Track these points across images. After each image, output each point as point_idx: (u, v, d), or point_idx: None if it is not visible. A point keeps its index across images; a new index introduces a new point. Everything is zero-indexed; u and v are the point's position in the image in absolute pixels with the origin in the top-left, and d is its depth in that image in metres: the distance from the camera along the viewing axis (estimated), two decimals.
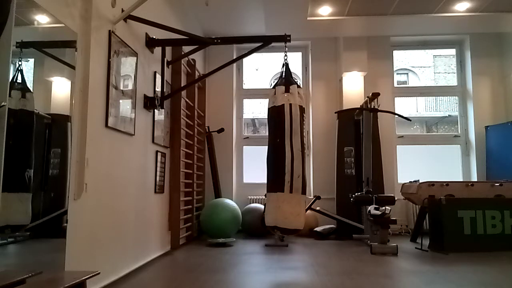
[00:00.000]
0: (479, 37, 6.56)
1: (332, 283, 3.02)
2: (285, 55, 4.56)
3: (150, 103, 3.87)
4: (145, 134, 3.85)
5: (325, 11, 5.68)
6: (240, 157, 6.82)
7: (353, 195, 5.10)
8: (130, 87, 3.46)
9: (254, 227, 5.76)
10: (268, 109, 4.71)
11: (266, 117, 4.79)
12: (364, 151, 5.33)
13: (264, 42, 3.91)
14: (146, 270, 3.50)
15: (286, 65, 4.62)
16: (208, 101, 6.61)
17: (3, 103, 1.90)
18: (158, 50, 4.19)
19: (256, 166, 6.61)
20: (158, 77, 4.20)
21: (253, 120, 12.48)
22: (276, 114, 4.57)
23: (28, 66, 2.13)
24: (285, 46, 4.26)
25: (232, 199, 6.05)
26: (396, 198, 5.06)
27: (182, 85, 4.78)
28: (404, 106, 10.76)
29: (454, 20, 5.86)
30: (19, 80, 2.05)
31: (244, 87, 7.08)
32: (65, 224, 2.42)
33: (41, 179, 2.25)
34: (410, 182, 5.30)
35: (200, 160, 5.93)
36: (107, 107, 2.95)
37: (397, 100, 6.82)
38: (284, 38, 3.88)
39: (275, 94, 4.61)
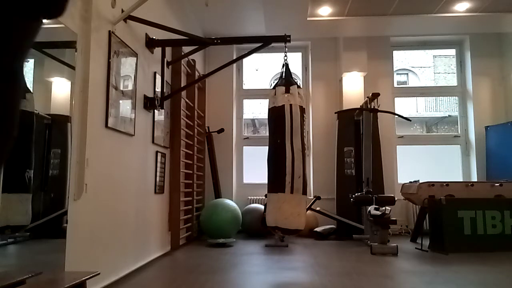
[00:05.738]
0: (479, 37, 6.56)
1: (332, 283, 3.02)
2: (285, 56, 4.57)
3: (150, 104, 3.87)
4: (145, 135, 3.85)
5: (325, 11, 5.68)
6: (240, 157, 6.82)
7: (353, 195, 5.09)
8: (130, 87, 3.46)
9: (254, 228, 5.76)
10: (269, 109, 4.72)
11: (266, 117, 4.79)
12: (364, 151, 5.33)
13: (264, 43, 3.91)
14: (146, 270, 3.50)
15: (286, 65, 4.62)
16: (208, 101, 6.61)
17: None
18: (158, 50, 4.19)
19: (256, 166, 6.60)
20: (158, 77, 4.20)
21: (253, 120, 12.48)
22: (276, 114, 4.57)
23: (28, 67, 2.13)
24: (285, 47, 4.26)
25: (232, 200, 6.05)
26: (396, 198, 5.05)
27: (182, 86, 4.78)
28: (404, 106, 10.75)
29: (454, 20, 5.86)
30: None
31: (244, 87, 7.08)
32: (65, 225, 2.41)
33: (41, 179, 2.25)
34: (410, 182, 5.30)
35: (200, 160, 5.93)
36: (107, 107, 2.95)
37: (397, 100, 6.82)
38: (284, 39, 3.88)
39: (275, 94, 4.61)
